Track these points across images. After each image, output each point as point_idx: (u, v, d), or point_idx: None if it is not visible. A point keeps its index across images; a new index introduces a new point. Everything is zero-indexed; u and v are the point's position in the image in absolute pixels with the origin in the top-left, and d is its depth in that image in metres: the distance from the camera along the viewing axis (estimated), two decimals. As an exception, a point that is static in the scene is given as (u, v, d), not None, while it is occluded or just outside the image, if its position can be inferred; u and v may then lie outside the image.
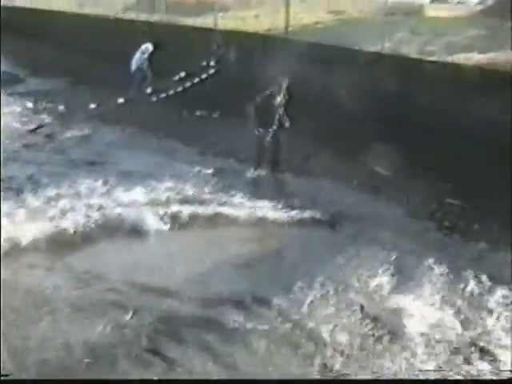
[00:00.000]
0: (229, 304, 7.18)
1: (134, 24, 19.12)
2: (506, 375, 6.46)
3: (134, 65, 16.21)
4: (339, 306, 7.21)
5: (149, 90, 15.44)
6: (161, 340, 6.52)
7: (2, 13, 23.98)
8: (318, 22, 15.67)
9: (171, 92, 14.51)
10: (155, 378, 6.31)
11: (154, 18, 18.83)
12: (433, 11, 16.10)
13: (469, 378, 6.40)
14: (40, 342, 6.40)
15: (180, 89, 14.39)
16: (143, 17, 19.42)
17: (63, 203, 9.53)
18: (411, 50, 12.33)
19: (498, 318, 7.09)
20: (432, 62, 11.62)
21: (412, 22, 14.21)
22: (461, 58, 11.68)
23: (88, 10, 22.62)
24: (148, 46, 16.15)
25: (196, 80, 14.46)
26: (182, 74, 14.57)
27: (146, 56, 16.16)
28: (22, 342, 6.37)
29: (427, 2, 17.14)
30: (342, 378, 6.36)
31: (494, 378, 6.46)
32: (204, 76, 14.50)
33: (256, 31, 15.49)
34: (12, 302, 7.07)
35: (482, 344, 6.66)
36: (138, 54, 16.24)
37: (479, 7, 17.33)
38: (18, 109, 15.52)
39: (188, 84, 14.42)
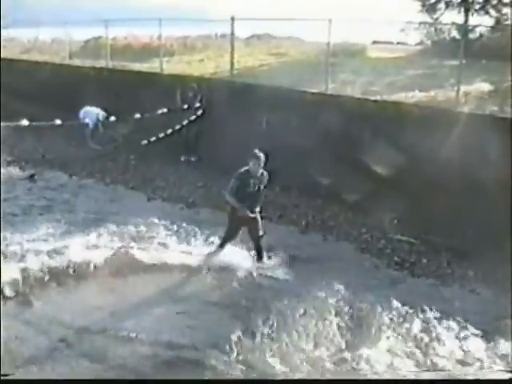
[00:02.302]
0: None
1: (80, 70, 19.08)
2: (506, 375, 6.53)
3: (88, 121, 16.28)
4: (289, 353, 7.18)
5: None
6: None
7: None
8: (263, 64, 15.87)
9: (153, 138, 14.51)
10: (156, 378, 6.17)
11: (100, 63, 18.80)
12: (374, 52, 16.46)
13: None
14: None
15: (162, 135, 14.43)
16: (89, 63, 19.37)
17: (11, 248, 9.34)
18: (355, 91, 12.54)
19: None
20: (375, 101, 11.84)
21: (354, 62, 14.47)
22: (402, 96, 11.93)
23: (34, 56, 22.49)
24: (103, 113, 16.27)
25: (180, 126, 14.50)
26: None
27: (101, 120, 16.29)
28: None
29: (369, 44, 17.48)
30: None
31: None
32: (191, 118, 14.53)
33: (202, 75, 15.60)
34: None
35: None
36: (93, 114, 16.31)
37: (418, 48, 17.81)
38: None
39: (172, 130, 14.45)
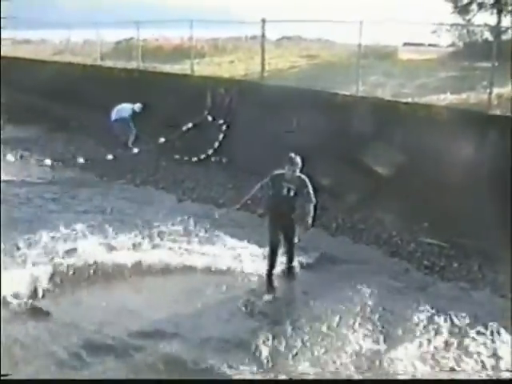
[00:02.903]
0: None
1: (111, 71, 19.28)
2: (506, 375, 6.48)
3: (121, 116, 16.40)
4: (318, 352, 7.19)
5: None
6: None
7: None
8: (293, 66, 15.86)
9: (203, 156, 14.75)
10: (156, 378, 6.21)
11: (131, 65, 18.98)
12: (405, 54, 16.35)
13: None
14: None
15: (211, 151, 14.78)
16: (120, 64, 19.57)
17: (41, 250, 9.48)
18: (385, 93, 12.49)
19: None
20: (406, 103, 11.78)
21: (385, 64, 14.40)
22: (434, 99, 11.85)
23: (66, 57, 22.77)
24: (139, 105, 16.34)
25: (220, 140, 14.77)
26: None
27: (137, 111, 16.36)
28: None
29: (400, 45, 17.37)
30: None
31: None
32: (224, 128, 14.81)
33: (233, 76, 15.66)
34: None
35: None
36: (127, 109, 16.40)
37: (450, 49, 17.64)
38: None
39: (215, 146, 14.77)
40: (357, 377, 6.74)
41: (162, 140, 14.31)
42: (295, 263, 9.29)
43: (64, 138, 17.55)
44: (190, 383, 6.39)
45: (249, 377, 6.62)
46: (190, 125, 14.81)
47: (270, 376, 6.70)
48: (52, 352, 6.96)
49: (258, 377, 6.62)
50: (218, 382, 6.48)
